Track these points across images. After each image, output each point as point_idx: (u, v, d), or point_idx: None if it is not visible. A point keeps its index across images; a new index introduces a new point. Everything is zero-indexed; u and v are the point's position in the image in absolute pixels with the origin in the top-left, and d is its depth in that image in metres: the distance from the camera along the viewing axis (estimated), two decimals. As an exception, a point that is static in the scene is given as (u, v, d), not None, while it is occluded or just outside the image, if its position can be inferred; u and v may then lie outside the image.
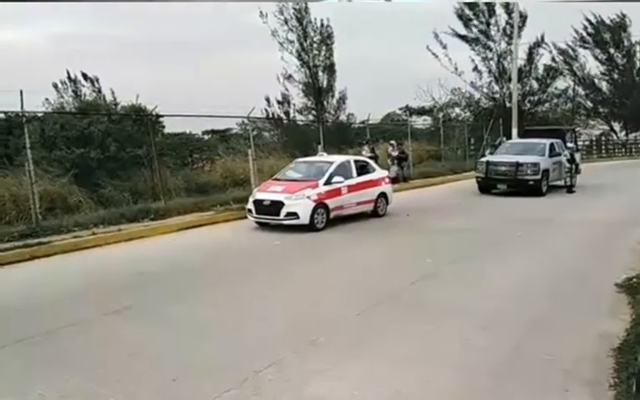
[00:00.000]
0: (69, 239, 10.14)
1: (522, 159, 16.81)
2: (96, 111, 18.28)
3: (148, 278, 7.91)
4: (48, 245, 9.70)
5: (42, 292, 7.31)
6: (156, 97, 15.65)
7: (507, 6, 29.48)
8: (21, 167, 11.51)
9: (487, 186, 17.29)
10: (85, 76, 24.74)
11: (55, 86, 24.31)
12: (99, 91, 24.16)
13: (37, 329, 5.66)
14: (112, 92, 22.07)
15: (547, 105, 34.28)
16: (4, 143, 14.98)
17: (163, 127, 18.60)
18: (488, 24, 30.80)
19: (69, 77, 24.97)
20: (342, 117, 26.42)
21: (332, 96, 26.01)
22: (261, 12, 23.81)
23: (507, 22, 29.90)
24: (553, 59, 34.77)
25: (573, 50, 37.69)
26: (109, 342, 5.39)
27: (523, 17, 30.15)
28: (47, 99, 19.92)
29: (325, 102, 25.79)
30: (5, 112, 14.52)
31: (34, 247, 9.51)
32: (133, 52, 41.19)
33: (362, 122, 24.03)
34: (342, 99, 26.12)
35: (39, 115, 16.05)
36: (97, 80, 24.48)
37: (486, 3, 30.49)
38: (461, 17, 30.77)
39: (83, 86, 24.86)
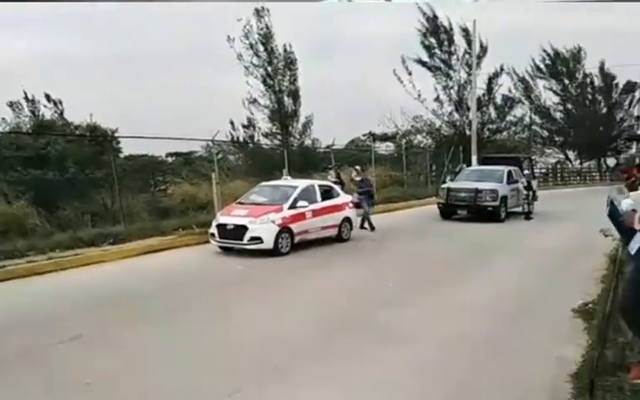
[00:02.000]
0: (23, 264, 9.75)
1: (481, 186, 17.22)
2: (52, 132, 17.80)
3: (105, 304, 7.65)
4: (0, 270, 9.30)
5: (-7, 320, 6.98)
6: (117, 118, 15.47)
7: (466, 36, 30.45)
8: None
9: (448, 211, 17.60)
10: (48, 97, 24.04)
11: (11, 105, 23.55)
12: (62, 112, 23.53)
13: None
14: (61, 113, 21.62)
15: (505, 133, 35.36)
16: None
17: (120, 150, 18.21)
18: (449, 53, 31.70)
19: (26, 97, 24.23)
20: (308, 142, 26.61)
21: (298, 121, 26.19)
22: (228, 37, 23.94)
23: (466, 52, 30.83)
24: (515, 86, 36.10)
25: (532, 78, 39.28)
26: (64, 371, 5.18)
27: (484, 48, 31.28)
28: (3, 119, 19.34)
29: (290, 127, 25.91)
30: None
31: (-16, 272, 9.12)
32: (95, 71, 40.45)
33: (327, 147, 24.26)
34: (308, 124, 26.32)
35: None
36: (61, 102, 23.85)
37: (445, 33, 31.39)
38: (425, 45, 31.55)
39: (45, 106, 24.14)
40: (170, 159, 23.92)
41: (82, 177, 15.22)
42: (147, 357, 5.56)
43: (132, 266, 10.59)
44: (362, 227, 14.81)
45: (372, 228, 14.87)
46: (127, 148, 18.41)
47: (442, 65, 31.69)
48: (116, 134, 15.03)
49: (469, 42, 29.91)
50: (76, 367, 5.28)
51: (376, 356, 5.49)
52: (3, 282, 9.03)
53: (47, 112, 23.63)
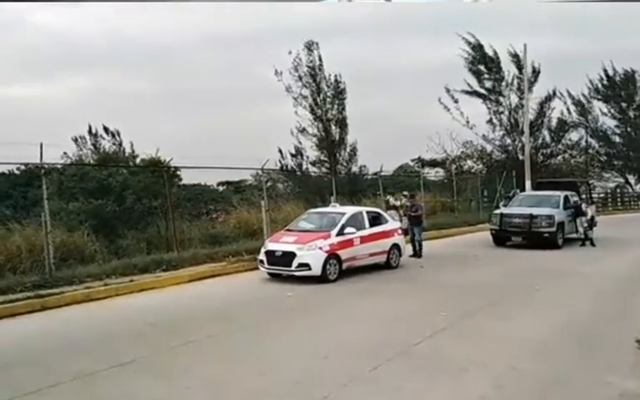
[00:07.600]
0: (81, 290, 10.13)
1: (536, 211, 16.69)
2: (114, 163, 18.62)
3: (157, 330, 7.84)
4: (60, 296, 9.68)
5: (51, 344, 7.24)
6: (173, 149, 15.95)
7: (517, 61, 30.02)
8: (38, 217, 11.64)
9: (501, 238, 17.15)
10: (106, 129, 25.40)
11: (75, 139, 24.91)
12: (120, 144, 24.74)
13: (43, 382, 5.58)
14: (132, 145, 22.58)
15: (560, 157, 34.27)
16: (23, 194, 15.29)
17: (180, 179, 18.88)
18: (497, 79, 31.30)
19: (90, 131, 25.64)
20: (355, 169, 26.68)
21: (345, 148, 26.35)
22: (276, 71, 24.48)
23: (517, 77, 30.38)
24: (568, 110, 35.11)
25: (588, 101, 37.95)
26: (115, 397, 5.29)
27: (536, 72, 30.72)
28: (65, 153, 20.37)
29: (338, 155, 26.08)
30: (25, 164, 14.90)
31: (46, 297, 9.50)
32: (151, 106, 42.36)
33: (375, 174, 24.17)
34: (354, 151, 26.45)
35: (58, 167, 16.41)
36: (119, 133, 25.13)
37: (492, 60, 31.09)
38: (473, 71, 31.31)
39: (104, 139, 25.48)
40: (221, 188, 24.55)
41: (139, 207, 15.78)
42: (194, 383, 5.60)
43: (183, 292, 10.79)
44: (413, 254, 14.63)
45: (418, 255, 14.62)
46: (182, 179, 19.06)
47: (490, 92, 31.34)
48: (170, 164, 15.47)
49: (520, 67, 29.42)
50: (125, 393, 5.38)
51: (431, 387, 5.33)
52: (62, 307, 9.38)
53: (107, 145, 24.90)
